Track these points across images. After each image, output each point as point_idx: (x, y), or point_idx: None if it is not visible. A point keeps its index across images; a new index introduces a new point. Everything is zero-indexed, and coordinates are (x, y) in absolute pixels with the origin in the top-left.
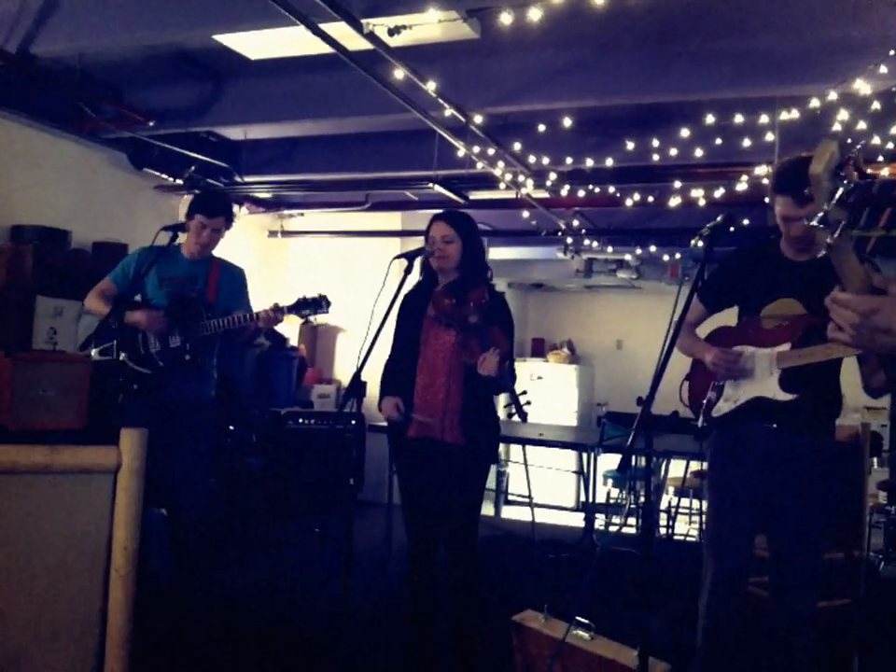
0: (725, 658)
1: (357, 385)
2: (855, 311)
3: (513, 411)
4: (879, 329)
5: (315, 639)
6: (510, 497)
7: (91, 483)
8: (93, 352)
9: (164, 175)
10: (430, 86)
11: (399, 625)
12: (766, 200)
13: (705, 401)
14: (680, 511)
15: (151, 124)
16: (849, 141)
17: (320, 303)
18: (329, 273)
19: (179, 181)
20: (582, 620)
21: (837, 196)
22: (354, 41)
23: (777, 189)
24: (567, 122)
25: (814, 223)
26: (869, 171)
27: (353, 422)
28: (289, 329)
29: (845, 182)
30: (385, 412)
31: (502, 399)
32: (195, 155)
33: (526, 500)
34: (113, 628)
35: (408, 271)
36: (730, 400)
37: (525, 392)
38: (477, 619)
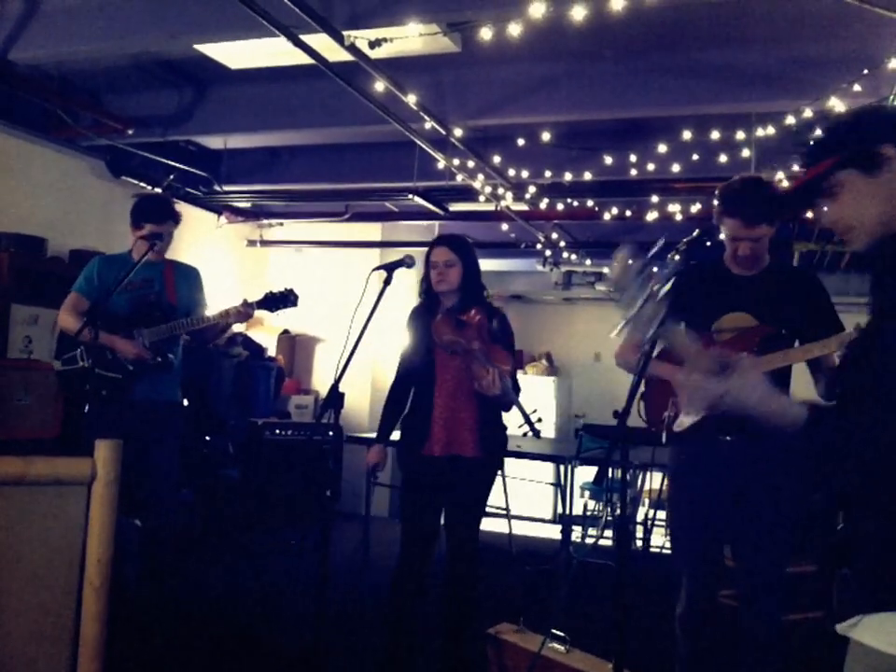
0: (704, 670)
1: (335, 397)
2: (707, 394)
3: (527, 429)
4: (733, 407)
5: (291, 649)
6: (487, 509)
7: (65, 494)
8: (56, 363)
9: (143, 184)
10: (411, 98)
11: (375, 636)
12: (713, 220)
13: (665, 417)
14: (657, 523)
15: (130, 132)
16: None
17: (288, 297)
18: (308, 284)
19: (158, 190)
20: (558, 633)
21: (645, 295)
22: (335, 53)
23: (726, 212)
24: (547, 136)
25: (614, 333)
26: None
27: (330, 433)
28: (267, 339)
29: (648, 280)
30: (370, 459)
31: (513, 418)
32: (174, 164)
33: (503, 512)
34: (86, 639)
35: (387, 282)
36: (691, 414)
37: (535, 410)
38: (473, 618)
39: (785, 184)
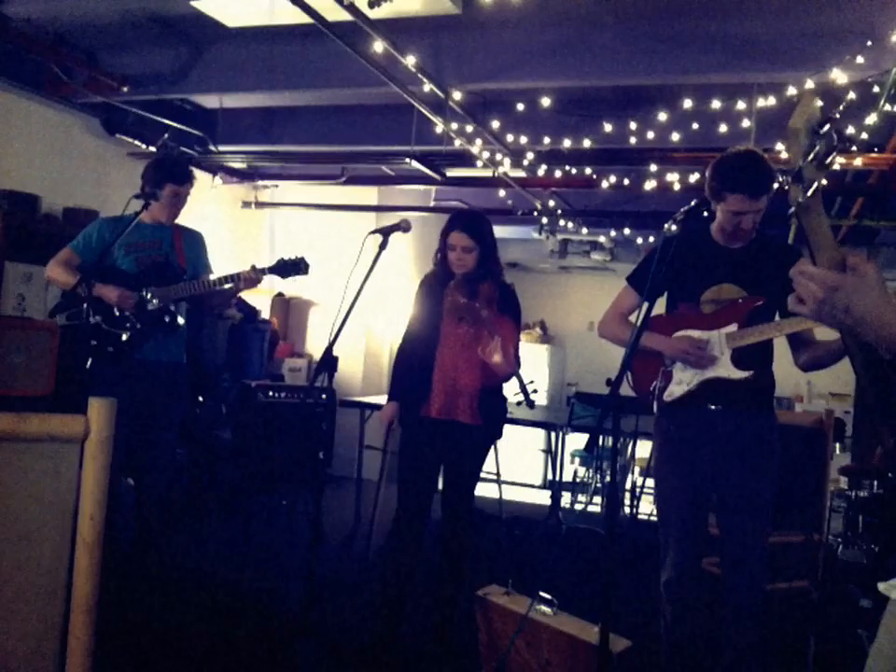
0: (688, 636)
1: (330, 360)
2: (820, 285)
3: (522, 399)
4: (839, 306)
5: (282, 609)
6: (479, 473)
7: (58, 451)
8: (60, 318)
9: (138, 142)
10: (410, 60)
11: (366, 597)
12: (708, 195)
13: (653, 388)
14: (645, 490)
15: (126, 90)
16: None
17: (299, 265)
18: (303, 247)
19: (153, 149)
20: (546, 596)
21: (813, 153)
22: (334, 12)
23: (727, 187)
24: (547, 102)
25: (791, 181)
26: (842, 161)
27: (324, 396)
28: (262, 301)
29: (824, 141)
30: (385, 416)
31: (510, 387)
32: (170, 122)
33: (494, 477)
34: (78, 596)
35: (383, 246)
36: (682, 384)
37: (532, 382)
38: (464, 580)
39: (784, 156)
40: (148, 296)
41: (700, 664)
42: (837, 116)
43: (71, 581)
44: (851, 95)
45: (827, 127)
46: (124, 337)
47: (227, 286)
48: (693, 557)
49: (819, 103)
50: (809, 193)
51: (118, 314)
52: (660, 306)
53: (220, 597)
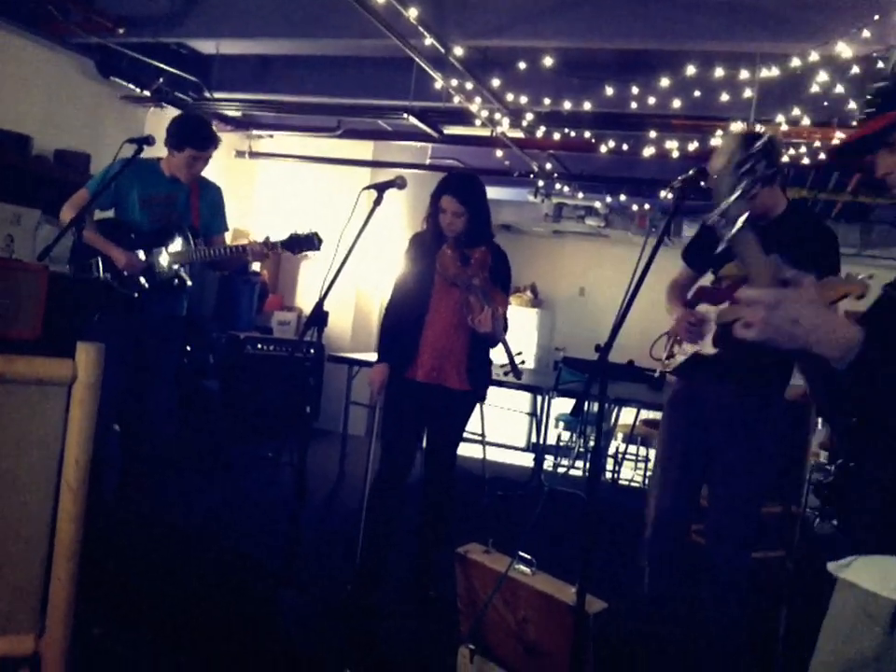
0: (668, 595)
1: (320, 315)
2: (763, 305)
3: (509, 369)
4: (787, 319)
5: (264, 560)
6: (463, 434)
7: (45, 394)
8: (67, 268)
9: (132, 86)
10: (412, 12)
11: (348, 551)
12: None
13: (664, 355)
14: (627, 456)
15: (121, 32)
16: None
17: (312, 240)
18: (297, 199)
19: (147, 93)
20: (525, 556)
21: (738, 191)
22: None
23: None
24: (549, 62)
25: (713, 219)
26: (842, 136)
27: (312, 351)
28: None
29: (748, 177)
30: (376, 377)
31: (497, 359)
32: (165, 67)
33: (479, 438)
34: (62, 540)
35: (377, 202)
36: (683, 353)
37: (520, 353)
38: (444, 538)
39: (784, 128)
40: (159, 258)
41: (679, 623)
42: (757, 150)
43: (55, 525)
44: (856, 69)
45: (749, 164)
46: (131, 296)
47: (237, 254)
48: (679, 523)
49: (738, 142)
50: (737, 229)
51: (126, 273)
52: None
53: (202, 546)
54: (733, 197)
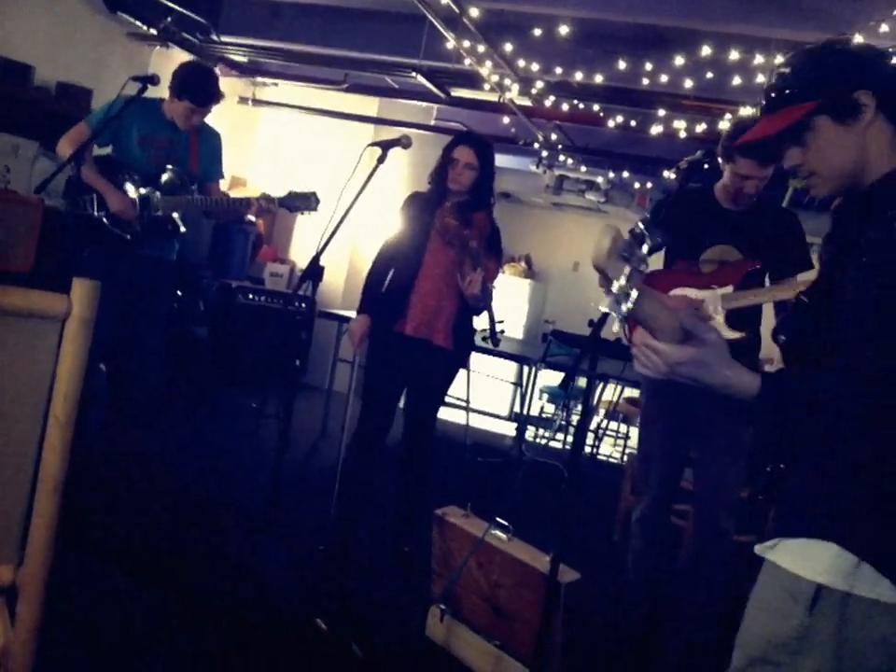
0: (653, 571)
1: (316, 270)
2: (665, 361)
3: (488, 335)
4: (684, 377)
5: (244, 508)
6: (447, 399)
7: (37, 328)
8: (61, 202)
9: (139, 23)
10: None
11: (326, 504)
12: (719, 156)
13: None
14: (608, 433)
15: None
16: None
17: (310, 199)
18: (298, 151)
19: (153, 31)
20: (502, 522)
21: (627, 272)
22: None
23: (740, 151)
24: (564, 30)
25: (604, 309)
26: None
27: (304, 305)
28: None
29: (634, 258)
30: (358, 329)
31: (478, 324)
32: (173, 5)
33: (463, 404)
34: (46, 473)
35: (381, 160)
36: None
37: (502, 321)
38: (422, 496)
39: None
40: (155, 201)
41: (659, 599)
42: (638, 230)
43: (40, 458)
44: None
45: (627, 252)
46: (123, 237)
47: (233, 207)
48: (665, 500)
49: (614, 232)
50: (631, 304)
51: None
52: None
53: (182, 488)
54: (620, 282)
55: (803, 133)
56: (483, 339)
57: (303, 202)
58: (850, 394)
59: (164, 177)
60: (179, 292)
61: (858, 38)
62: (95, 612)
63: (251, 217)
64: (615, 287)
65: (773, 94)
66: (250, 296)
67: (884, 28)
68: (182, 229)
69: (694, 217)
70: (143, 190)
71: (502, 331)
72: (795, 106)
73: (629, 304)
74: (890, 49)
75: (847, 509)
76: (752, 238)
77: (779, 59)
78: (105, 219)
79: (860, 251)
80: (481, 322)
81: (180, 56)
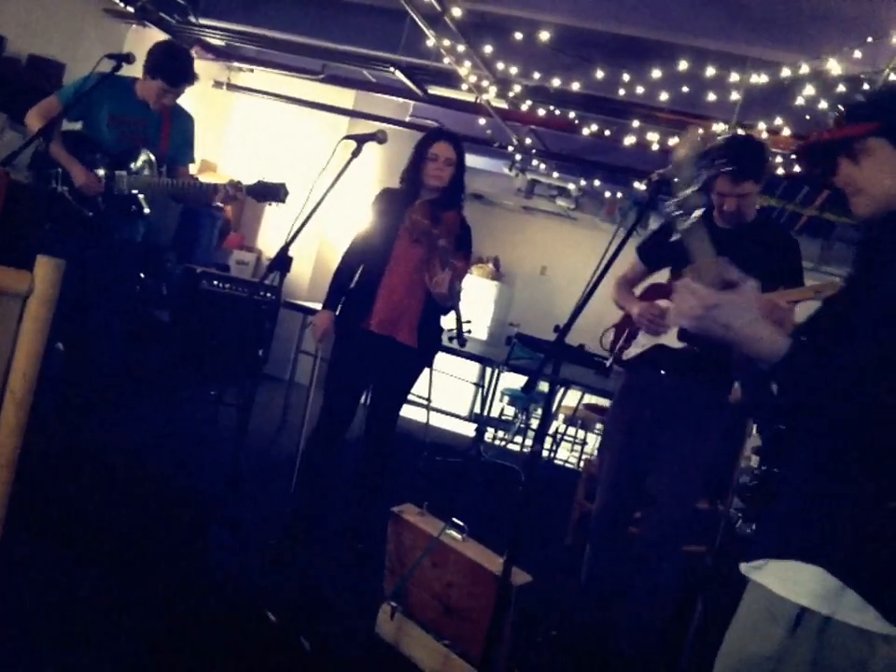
0: (605, 577)
1: (284, 260)
2: (700, 302)
3: (454, 335)
4: (718, 322)
5: (199, 496)
6: (406, 396)
7: None
8: (25, 174)
9: (117, 0)
10: None
11: (282, 496)
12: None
13: (618, 346)
14: (566, 437)
15: None
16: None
17: (279, 191)
18: (271, 139)
19: (130, 8)
20: (458, 522)
21: (697, 184)
22: None
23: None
24: (545, 36)
25: (670, 207)
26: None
27: (269, 294)
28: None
29: (706, 169)
30: (321, 324)
31: (445, 324)
32: None
33: (423, 402)
34: (1, 449)
35: (355, 154)
36: (638, 346)
37: (469, 321)
38: (379, 491)
39: (765, 136)
40: (120, 181)
41: (609, 605)
42: (717, 144)
43: None
44: (842, 88)
45: (709, 158)
46: (86, 214)
47: (200, 192)
48: (620, 508)
49: (701, 134)
50: (691, 221)
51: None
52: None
53: (136, 472)
54: (690, 189)
55: (858, 150)
56: (450, 339)
57: (272, 193)
58: (853, 417)
59: (133, 157)
60: (143, 275)
61: (832, 62)
62: (41, 593)
63: (218, 203)
64: (683, 194)
65: (843, 108)
66: (215, 282)
67: (857, 54)
68: (146, 210)
69: None
70: (109, 169)
71: (469, 331)
72: (858, 124)
73: (691, 219)
74: (862, 75)
75: (836, 534)
76: (739, 256)
77: (754, 77)
78: (67, 195)
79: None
80: (448, 322)
81: (156, 36)
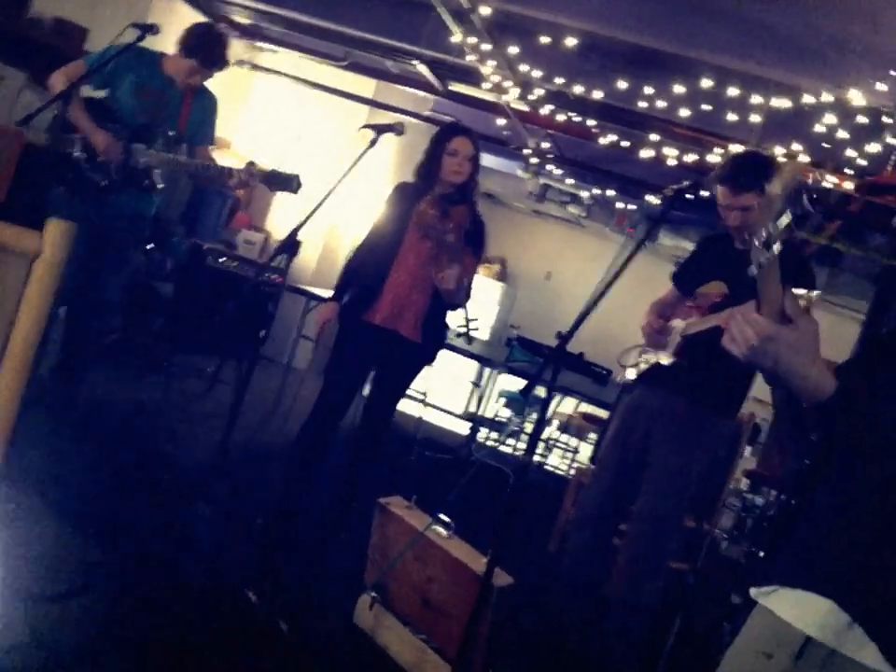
0: (583, 586)
1: (292, 244)
2: (757, 332)
3: (462, 332)
4: (769, 355)
5: (186, 472)
6: (405, 391)
7: (5, 262)
8: (43, 136)
9: None
10: None
11: (271, 479)
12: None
13: (631, 363)
14: (558, 444)
15: None
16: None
17: (292, 181)
18: (288, 122)
19: None
20: (444, 518)
21: (784, 222)
22: None
23: (717, 177)
24: (571, 42)
25: (756, 243)
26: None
27: (275, 276)
28: (232, 165)
29: (795, 207)
30: (324, 315)
31: (454, 319)
32: None
33: (420, 396)
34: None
35: (372, 143)
36: (642, 363)
37: (475, 319)
38: (367, 482)
39: (781, 160)
40: (137, 153)
41: (580, 613)
42: (811, 184)
43: None
44: (863, 119)
45: (797, 197)
46: (100, 183)
47: (216, 175)
48: (600, 521)
49: (800, 171)
50: (771, 255)
51: (101, 159)
52: None
53: (126, 445)
54: (782, 222)
55: None
56: (458, 335)
57: (285, 183)
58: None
59: (151, 132)
60: (148, 246)
61: (853, 92)
62: (19, 560)
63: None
64: (773, 226)
65: None
66: (220, 259)
67: (881, 87)
68: (160, 185)
69: (707, 257)
70: (127, 141)
71: (476, 329)
72: None
73: (773, 252)
74: (884, 108)
75: (853, 571)
76: (751, 279)
77: (775, 101)
78: (84, 163)
79: None
80: (456, 319)
81: (181, 8)
